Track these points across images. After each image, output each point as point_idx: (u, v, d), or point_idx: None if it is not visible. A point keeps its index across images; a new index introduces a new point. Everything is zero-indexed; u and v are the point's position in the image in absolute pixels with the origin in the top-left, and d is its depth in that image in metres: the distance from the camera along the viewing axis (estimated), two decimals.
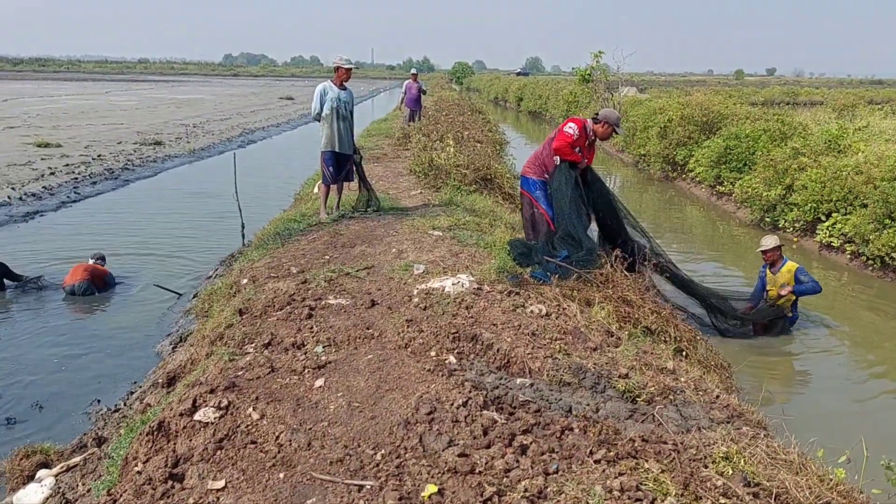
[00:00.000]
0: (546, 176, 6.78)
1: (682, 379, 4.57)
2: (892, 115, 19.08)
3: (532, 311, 5.13)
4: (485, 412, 3.52)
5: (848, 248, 10.22)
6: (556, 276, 5.82)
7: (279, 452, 3.13)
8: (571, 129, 6.65)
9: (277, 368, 4.05)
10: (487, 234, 7.52)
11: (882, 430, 5.50)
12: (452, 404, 3.54)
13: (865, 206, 10.07)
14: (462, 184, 10.58)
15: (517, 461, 3.06)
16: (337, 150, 8.10)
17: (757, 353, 6.94)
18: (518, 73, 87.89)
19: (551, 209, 6.71)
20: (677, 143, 17.12)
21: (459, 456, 3.06)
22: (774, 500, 3.00)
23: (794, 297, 7.22)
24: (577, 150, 6.76)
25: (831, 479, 3.34)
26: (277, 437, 3.25)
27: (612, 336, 5.08)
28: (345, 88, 8.16)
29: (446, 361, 4.16)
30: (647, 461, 3.07)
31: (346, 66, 8.05)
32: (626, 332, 5.23)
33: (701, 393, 4.40)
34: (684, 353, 5.36)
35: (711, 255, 11.20)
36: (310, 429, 3.33)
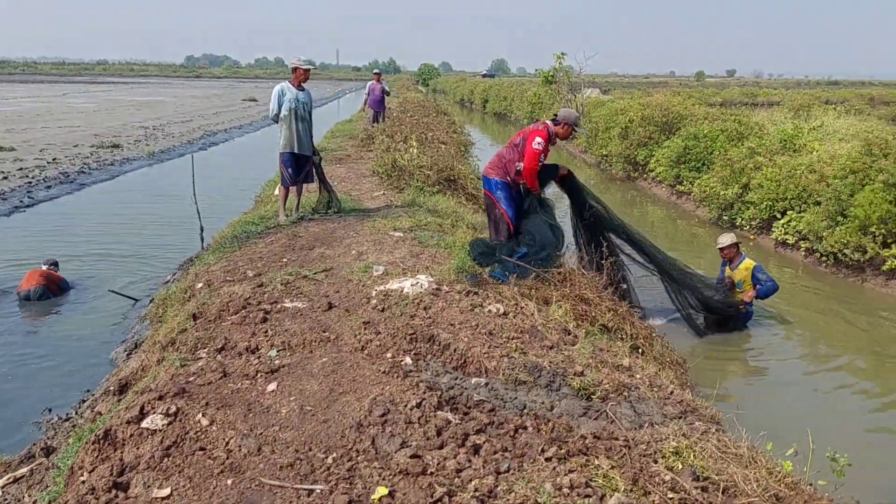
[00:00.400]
0: (508, 178, 6.78)
1: (638, 376, 4.61)
2: (845, 114, 19.54)
3: (490, 311, 5.14)
4: (439, 413, 3.52)
5: (802, 245, 10.43)
6: (515, 275, 5.84)
7: (228, 458, 3.08)
8: (540, 144, 6.63)
9: (230, 373, 4.00)
10: (449, 235, 7.52)
11: (829, 423, 5.62)
12: (406, 406, 3.53)
13: (819, 203, 10.30)
14: (425, 185, 10.58)
15: (469, 461, 3.06)
16: (296, 151, 8.03)
17: (713, 349, 7.05)
18: (484, 75, 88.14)
19: (511, 210, 6.73)
20: (638, 143, 17.32)
21: (411, 457, 3.05)
22: (722, 493, 3.04)
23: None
24: (543, 157, 6.80)
25: (779, 472, 3.40)
26: (227, 443, 3.21)
27: (568, 334, 5.11)
28: (303, 89, 8.10)
29: (402, 363, 4.15)
30: (597, 458, 3.09)
31: (305, 67, 7.99)
32: (584, 330, 5.27)
33: (655, 389, 4.45)
34: (640, 351, 5.41)
35: (672, 253, 11.28)
36: (260, 434, 3.29)
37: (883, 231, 9.06)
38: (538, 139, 6.60)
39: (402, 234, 7.22)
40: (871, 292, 9.03)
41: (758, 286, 7.38)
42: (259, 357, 4.23)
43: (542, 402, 3.84)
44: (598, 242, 6.66)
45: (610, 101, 25.14)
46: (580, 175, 20.65)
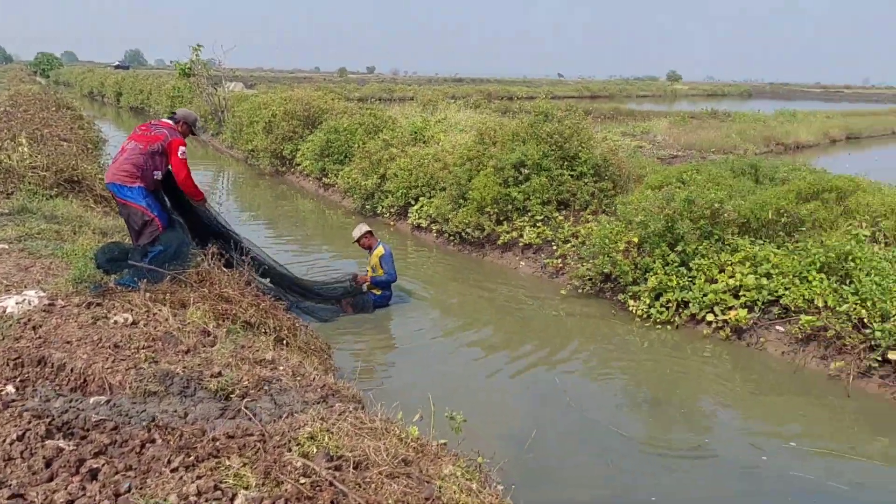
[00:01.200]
0: (151, 186, 6.22)
1: (281, 367, 4.63)
2: (465, 108, 21.96)
3: (116, 322, 4.72)
4: (49, 442, 3.11)
5: (434, 228, 11.48)
6: (146, 280, 5.44)
7: None
8: (185, 153, 6.28)
9: None
10: (69, 243, 6.73)
11: (457, 384, 6.27)
12: (5, 441, 3.06)
13: (444, 189, 11.41)
14: (40, 188, 9.31)
15: (84, 489, 2.76)
16: None
17: (360, 332, 7.40)
18: (116, 66, 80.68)
19: (163, 216, 6.21)
20: (283, 137, 17.40)
21: (11, 498, 2.65)
22: (355, 468, 3.17)
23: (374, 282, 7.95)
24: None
25: (408, 438, 3.68)
26: None
27: (209, 335, 4.91)
28: None
29: (1, 394, 3.59)
30: (229, 458, 3.01)
31: None
32: (225, 330, 5.12)
33: (299, 378, 4.51)
34: (285, 342, 5.45)
35: (324, 243, 11.64)
36: None
37: (496, 210, 10.36)
38: (182, 149, 6.28)
39: (6, 246, 6.26)
40: (491, 264, 10.30)
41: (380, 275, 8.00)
42: None
43: (175, 411, 3.63)
44: (203, 238, 6.49)
45: (254, 95, 24.88)
46: (229, 170, 20.13)
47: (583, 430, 5.51)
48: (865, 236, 7.53)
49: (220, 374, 4.15)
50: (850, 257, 7.06)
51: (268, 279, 6.89)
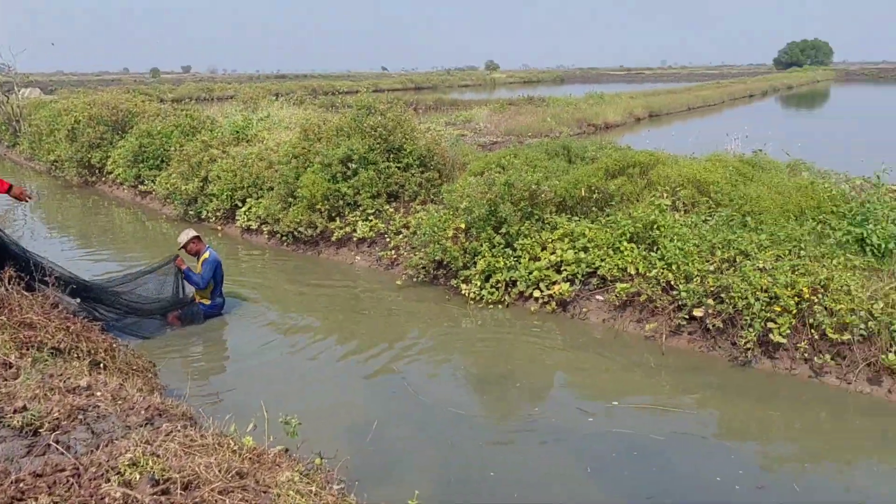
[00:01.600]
0: None
1: (98, 393, 4.30)
2: (288, 105, 21.45)
3: None
4: None
5: (265, 229, 11.15)
6: None
7: None
8: None
9: None
10: None
11: (294, 388, 6.15)
12: None
13: (272, 189, 11.11)
14: None
15: None
16: None
17: (188, 345, 7.05)
18: None
19: None
20: (90, 145, 16.15)
21: None
22: (184, 489, 3.03)
23: (210, 286, 7.59)
24: None
25: (242, 450, 3.56)
26: None
27: (10, 368, 4.47)
28: None
29: None
30: (36, 499, 2.76)
31: None
32: (30, 359, 4.68)
33: (119, 402, 4.22)
34: (102, 365, 5.07)
35: (146, 254, 10.94)
36: None
37: (327, 207, 10.24)
38: None
39: None
40: (327, 261, 10.18)
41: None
42: None
43: None
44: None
45: (53, 101, 22.91)
46: (31, 184, 18.45)
47: (424, 415, 5.60)
48: (667, 205, 8.20)
49: (24, 408, 3.79)
50: (655, 226, 7.69)
51: (78, 299, 6.33)
